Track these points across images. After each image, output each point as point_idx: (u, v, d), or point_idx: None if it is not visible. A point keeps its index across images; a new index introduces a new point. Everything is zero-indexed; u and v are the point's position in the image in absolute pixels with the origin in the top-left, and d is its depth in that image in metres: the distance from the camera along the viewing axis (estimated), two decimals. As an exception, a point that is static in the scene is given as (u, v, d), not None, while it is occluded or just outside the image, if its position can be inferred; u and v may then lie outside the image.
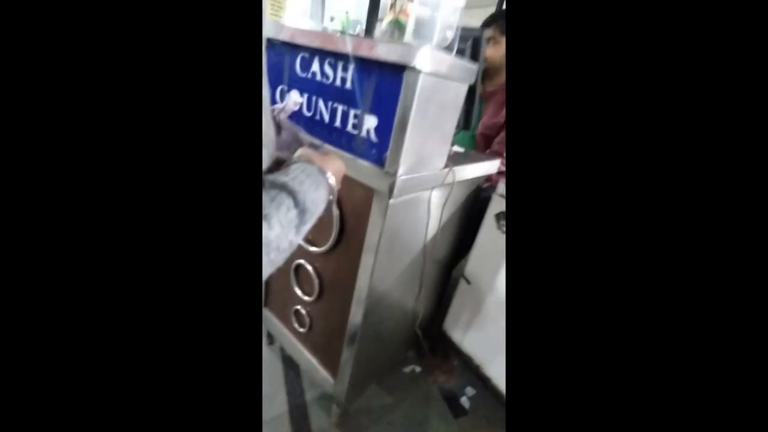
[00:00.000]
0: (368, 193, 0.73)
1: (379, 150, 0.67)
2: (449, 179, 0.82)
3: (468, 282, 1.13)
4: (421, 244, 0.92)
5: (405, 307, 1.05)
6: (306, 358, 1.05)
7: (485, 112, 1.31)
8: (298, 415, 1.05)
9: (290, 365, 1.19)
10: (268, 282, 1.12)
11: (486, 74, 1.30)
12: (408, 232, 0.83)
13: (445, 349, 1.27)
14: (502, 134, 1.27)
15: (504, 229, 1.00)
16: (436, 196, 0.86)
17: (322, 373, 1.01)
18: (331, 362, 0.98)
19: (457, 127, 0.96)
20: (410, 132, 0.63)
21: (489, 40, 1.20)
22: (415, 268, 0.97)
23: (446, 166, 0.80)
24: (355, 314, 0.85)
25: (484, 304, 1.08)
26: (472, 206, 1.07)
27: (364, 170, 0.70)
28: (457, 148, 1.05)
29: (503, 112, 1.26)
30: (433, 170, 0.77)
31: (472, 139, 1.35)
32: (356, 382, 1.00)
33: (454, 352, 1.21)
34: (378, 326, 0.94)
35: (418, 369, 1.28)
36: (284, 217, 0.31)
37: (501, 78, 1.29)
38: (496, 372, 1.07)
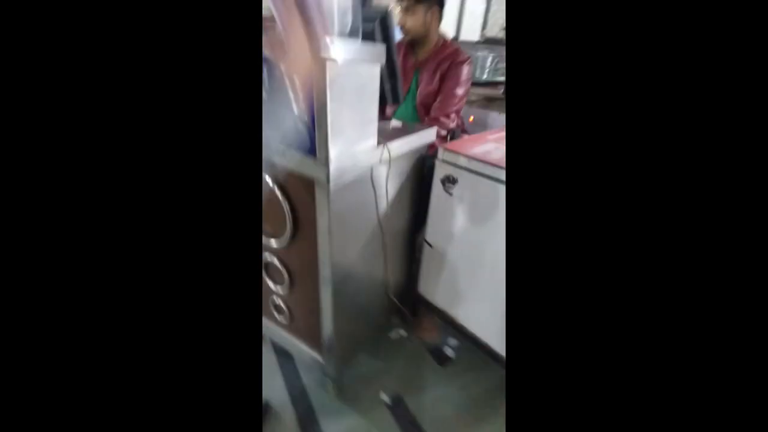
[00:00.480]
0: (310, 183, 0.77)
1: (310, 141, 0.71)
2: (385, 156, 0.88)
3: (430, 245, 1.22)
4: (374, 219, 0.98)
5: (375, 279, 1.12)
6: (294, 344, 1.12)
7: (421, 82, 1.35)
8: (300, 398, 1.14)
9: (283, 354, 1.26)
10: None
11: (414, 44, 1.33)
12: (359, 211, 0.89)
13: (424, 309, 1.38)
14: (438, 99, 1.32)
15: (451, 191, 1.07)
16: (378, 173, 0.91)
17: (312, 354, 1.09)
18: (316, 344, 1.05)
19: (396, 101, 1.00)
20: (332, 120, 0.67)
21: (406, 11, 1.22)
22: (375, 242, 1.03)
23: (379, 143, 0.85)
24: (325, 296, 0.92)
25: (448, 263, 1.17)
26: (420, 175, 1.13)
27: (301, 162, 0.75)
28: (395, 123, 1.10)
29: (437, 79, 1.30)
30: (366, 150, 0.82)
31: (414, 110, 1.39)
32: (344, 355, 1.09)
33: (432, 311, 1.32)
34: (351, 301, 1.02)
35: (403, 332, 1.39)
36: None
37: (430, 45, 1.32)
38: (468, 319, 1.18)
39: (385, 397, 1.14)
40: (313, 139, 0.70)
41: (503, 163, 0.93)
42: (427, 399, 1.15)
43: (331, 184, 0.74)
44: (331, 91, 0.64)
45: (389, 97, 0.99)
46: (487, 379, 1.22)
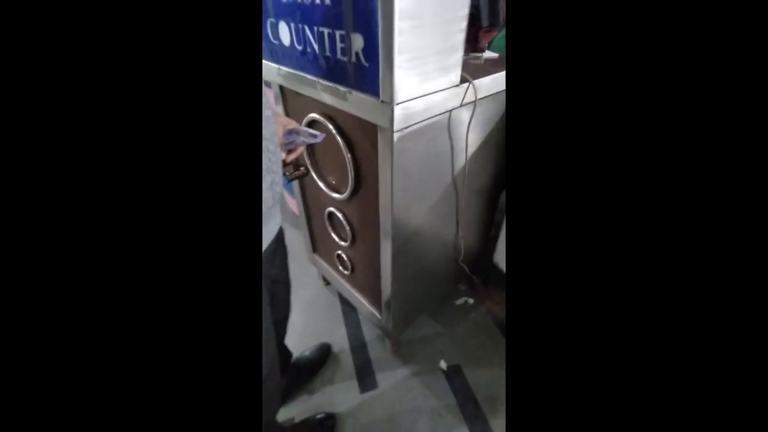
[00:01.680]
0: (372, 129, 0.66)
1: (372, 76, 0.58)
2: (469, 96, 0.70)
3: (514, 210, 1.03)
4: (449, 175, 0.84)
5: (444, 243, 1.01)
6: (356, 297, 1.11)
7: None
8: (359, 349, 1.16)
9: (348, 304, 1.29)
10: (311, 229, 1.17)
11: None
12: (429, 165, 0.76)
13: (497, 281, 1.23)
14: None
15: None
16: (459, 119, 0.74)
17: (371, 309, 1.06)
18: (375, 300, 1.02)
19: (494, 25, 0.78)
20: (400, 45, 0.52)
21: None
22: (447, 202, 0.90)
23: (464, 80, 0.67)
24: (385, 255, 0.84)
25: (534, 233, 0.98)
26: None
27: (362, 104, 0.63)
28: (490, 54, 0.87)
29: None
30: (445, 89, 0.65)
31: None
32: (403, 316, 1.04)
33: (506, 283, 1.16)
34: (414, 264, 0.93)
35: (470, 301, 1.28)
36: None
37: None
38: None
39: (443, 364, 1.08)
40: (375, 73, 0.56)
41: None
42: (486, 374, 1.06)
43: (396, 131, 0.61)
44: (401, 3, 0.48)
45: (484, 18, 0.77)
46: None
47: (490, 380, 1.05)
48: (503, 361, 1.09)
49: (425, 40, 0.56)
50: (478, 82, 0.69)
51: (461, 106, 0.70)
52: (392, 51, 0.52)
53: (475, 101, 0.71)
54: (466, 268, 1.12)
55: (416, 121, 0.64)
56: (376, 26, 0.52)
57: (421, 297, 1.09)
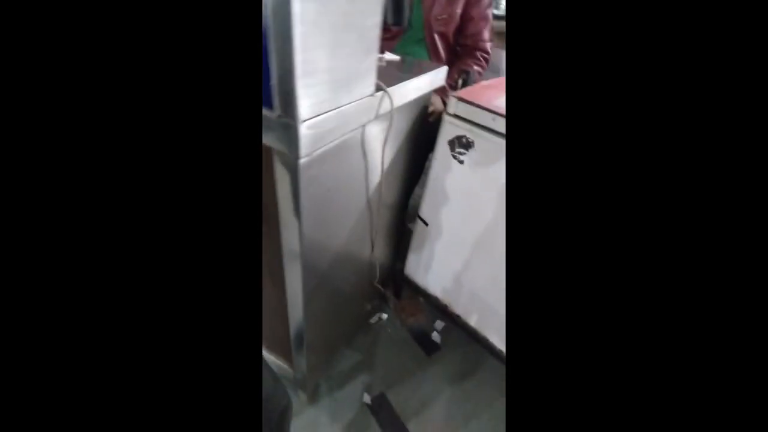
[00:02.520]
0: (267, 154, 0.47)
1: (265, 83, 0.39)
2: (385, 107, 0.58)
3: (425, 223, 0.98)
4: (363, 196, 0.71)
5: (359, 268, 0.89)
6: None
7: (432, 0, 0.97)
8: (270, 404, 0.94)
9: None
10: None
11: None
12: (341, 189, 0.61)
13: (409, 291, 1.19)
14: (472, 27, 0.97)
15: (460, 158, 0.80)
16: (373, 133, 0.62)
17: (278, 362, 0.87)
18: (283, 350, 0.83)
19: (398, 24, 0.67)
20: (301, 39, 0.36)
21: None
22: (361, 224, 0.77)
23: (378, 88, 0.55)
24: (294, 299, 0.67)
25: (445, 243, 0.96)
26: (420, 132, 0.85)
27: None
28: (391, 57, 0.77)
29: None
30: (358, 99, 0.51)
31: (420, 45, 1.02)
32: (320, 360, 0.89)
33: (420, 294, 1.13)
34: (331, 300, 0.79)
35: (384, 316, 1.21)
36: None
37: None
38: (464, 308, 1.01)
39: (366, 398, 0.98)
40: (268, 82, 0.39)
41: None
42: (414, 395, 1.01)
43: (302, 157, 0.44)
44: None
45: (389, 16, 0.65)
46: (477, 370, 1.10)
47: (415, 401, 1.00)
48: (426, 375, 1.06)
49: (334, 34, 0.41)
50: (392, 89, 0.58)
51: (376, 118, 0.58)
52: (293, 45, 0.35)
53: (392, 111, 0.59)
54: (381, 288, 1.04)
55: (327, 142, 0.48)
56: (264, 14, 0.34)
57: (338, 333, 0.96)
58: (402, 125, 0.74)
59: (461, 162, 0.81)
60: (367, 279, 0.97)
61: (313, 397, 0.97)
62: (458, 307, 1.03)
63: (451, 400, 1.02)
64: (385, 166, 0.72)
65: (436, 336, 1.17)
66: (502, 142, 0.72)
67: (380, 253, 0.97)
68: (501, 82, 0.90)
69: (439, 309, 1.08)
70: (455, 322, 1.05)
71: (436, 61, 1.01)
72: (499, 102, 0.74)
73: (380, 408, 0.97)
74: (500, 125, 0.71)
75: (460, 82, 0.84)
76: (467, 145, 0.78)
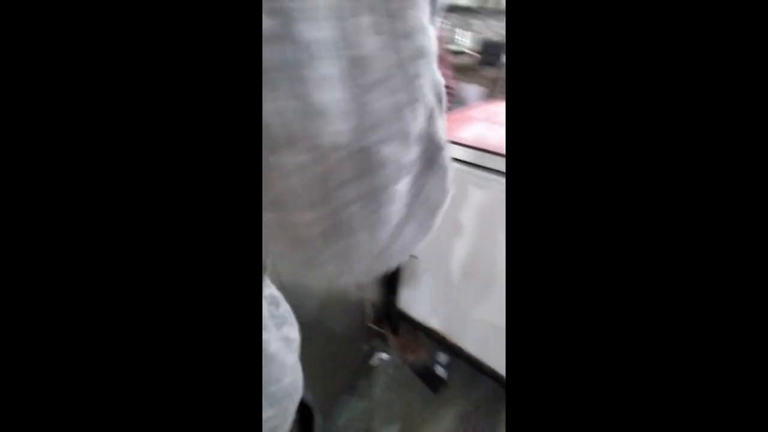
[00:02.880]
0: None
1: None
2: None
3: (414, 256, 0.99)
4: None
5: (349, 309, 0.88)
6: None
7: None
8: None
9: None
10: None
11: None
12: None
13: (406, 326, 1.16)
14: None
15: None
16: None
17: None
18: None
19: None
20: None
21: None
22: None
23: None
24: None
25: (434, 273, 0.96)
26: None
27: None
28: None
29: None
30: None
31: None
32: (321, 411, 0.84)
33: (416, 327, 1.11)
34: (323, 349, 0.77)
35: (384, 356, 1.17)
36: None
37: None
38: (465, 340, 0.99)
39: (375, 451, 0.92)
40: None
41: (503, 150, 0.70)
42: (422, 437, 0.96)
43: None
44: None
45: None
46: (486, 402, 1.05)
47: (426, 444, 0.94)
48: (435, 414, 1.01)
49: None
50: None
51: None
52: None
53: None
54: (375, 327, 1.02)
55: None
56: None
57: (337, 381, 0.92)
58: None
59: (435, 192, 0.84)
60: (360, 320, 0.95)
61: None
62: (459, 339, 1.01)
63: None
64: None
65: (440, 371, 1.13)
66: (467, 169, 0.75)
67: (370, 290, 0.96)
68: (463, 115, 0.96)
69: (439, 342, 1.05)
70: (458, 354, 1.03)
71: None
72: (460, 133, 0.78)
73: (389, 459, 0.91)
74: (461, 154, 0.75)
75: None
76: (438, 175, 0.81)
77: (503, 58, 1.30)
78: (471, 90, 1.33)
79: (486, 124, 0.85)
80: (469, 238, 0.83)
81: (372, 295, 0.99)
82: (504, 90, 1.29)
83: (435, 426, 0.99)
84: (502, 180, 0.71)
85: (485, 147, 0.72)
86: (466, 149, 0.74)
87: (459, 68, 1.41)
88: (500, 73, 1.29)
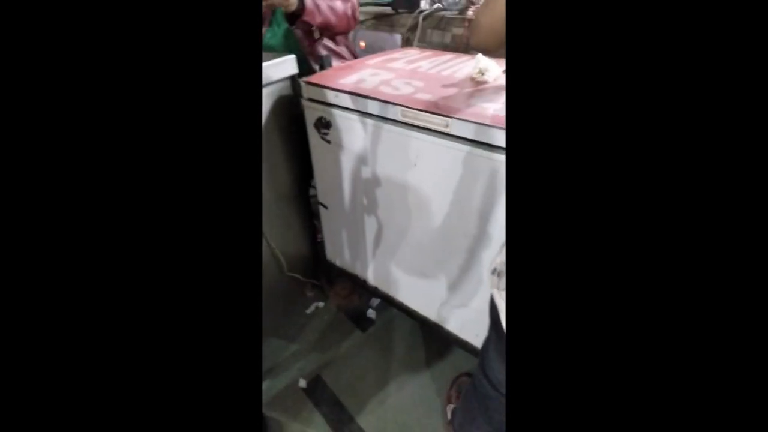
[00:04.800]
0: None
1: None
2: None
3: (325, 207, 1.03)
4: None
5: (266, 265, 0.93)
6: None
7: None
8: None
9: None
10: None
11: None
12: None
13: (338, 276, 1.23)
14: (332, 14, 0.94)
15: (327, 138, 0.85)
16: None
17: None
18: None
19: None
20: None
21: None
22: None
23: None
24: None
25: (346, 223, 1.00)
26: (290, 122, 0.89)
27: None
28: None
29: None
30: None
31: (286, 36, 1.04)
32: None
33: (345, 276, 1.18)
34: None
35: (321, 304, 1.25)
36: None
37: None
38: (395, 289, 1.04)
39: (302, 383, 1.02)
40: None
41: (378, 94, 0.72)
42: (347, 370, 1.06)
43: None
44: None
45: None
46: (405, 336, 1.15)
47: (350, 376, 1.04)
48: (360, 351, 1.11)
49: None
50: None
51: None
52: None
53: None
54: (299, 276, 1.08)
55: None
56: None
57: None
58: (265, 112, 0.79)
59: (329, 142, 0.86)
60: (278, 270, 1.01)
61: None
62: (390, 289, 1.06)
63: (382, 369, 1.06)
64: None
65: (371, 312, 1.22)
66: (353, 116, 0.77)
67: (286, 244, 1.01)
68: (358, 62, 0.95)
69: (368, 289, 1.13)
70: (388, 300, 1.10)
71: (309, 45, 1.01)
72: (345, 80, 0.79)
73: (315, 389, 1.01)
74: (344, 101, 0.76)
75: (317, 67, 0.90)
76: (327, 125, 0.83)
77: (421, 5, 1.27)
78: (389, 39, 1.32)
79: (372, 70, 0.86)
80: (362, 184, 0.87)
81: (289, 246, 1.04)
82: (418, 37, 1.27)
83: (358, 358, 1.09)
84: (381, 123, 0.74)
85: (358, 92, 0.74)
86: (339, 95, 0.76)
87: (379, 17, 1.37)
88: (418, 20, 1.27)
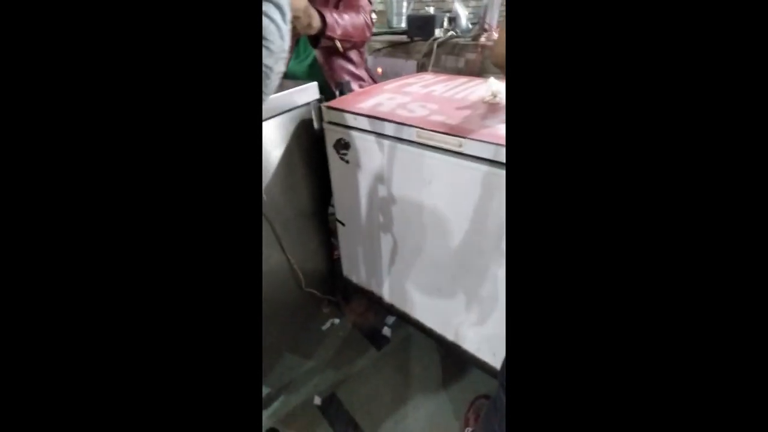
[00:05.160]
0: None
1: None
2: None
3: (342, 224, 1.06)
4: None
5: (278, 275, 0.96)
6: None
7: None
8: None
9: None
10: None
11: None
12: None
13: (354, 293, 1.25)
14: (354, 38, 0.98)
15: (345, 158, 0.90)
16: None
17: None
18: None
19: None
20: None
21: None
22: (264, 234, 0.85)
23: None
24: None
25: (363, 241, 1.03)
26: (312, 144, 0.94)
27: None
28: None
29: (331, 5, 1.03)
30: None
31: (311, 65, 1.11)
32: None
33: (361, 293, 1.19)
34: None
35: (336, 321, 1.26)
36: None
37: None
38: (411, 307, 1.05)
39: (317, 400, 1.02)
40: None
41: (395, 116, 0.76)
42: (362, 389, 1.05)
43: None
44: None
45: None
46: (422, 355, 1.14)
47: (365, 394, 1.04)
48: (375, 369, 1.10)
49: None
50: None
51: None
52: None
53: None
54: (316, 292, 1.10)
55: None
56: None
57: (273, 339, 1.01)
58: (280, 137, 0.84)
59: (347, 162, 0.90)
60: (296, 286, 1.03)
61: (265, 404, 1.01)
62: (405, 306, 1.07)
63: (398, 388, 1.05)
64: (273, 173, 0.81)
65: (386, 330, 1.22)
66: (371, 137, 0.81)
67: (304, 260, 1.04)
68: (376, 87, 1.01)
69: (383, 306, 1.13)
70: (404, 318, 1.10)
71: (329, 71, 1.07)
72: (363, 104, 0.84)
73: (329, 406, 1.01)
74: (362, 123, 0.81)
75: (337, 93, 0.95)
76: (346, 146, 0.87)
77: (435, 32, 1.33)
78: (405, 65, 1.38)
79: (389, 94, 0.91)
80: (382, 204, 0.90)
81: (308, 262, 1.07)
82: (433, 62, 1.33)
83: (373, 376, 1.08)
84: (396, 144, 0.77)
85: (376, 114, 0.78)
86: (358, 118, 0.80)
87: (395, 45, 1.45)
88: (432, 46, 1.33)
